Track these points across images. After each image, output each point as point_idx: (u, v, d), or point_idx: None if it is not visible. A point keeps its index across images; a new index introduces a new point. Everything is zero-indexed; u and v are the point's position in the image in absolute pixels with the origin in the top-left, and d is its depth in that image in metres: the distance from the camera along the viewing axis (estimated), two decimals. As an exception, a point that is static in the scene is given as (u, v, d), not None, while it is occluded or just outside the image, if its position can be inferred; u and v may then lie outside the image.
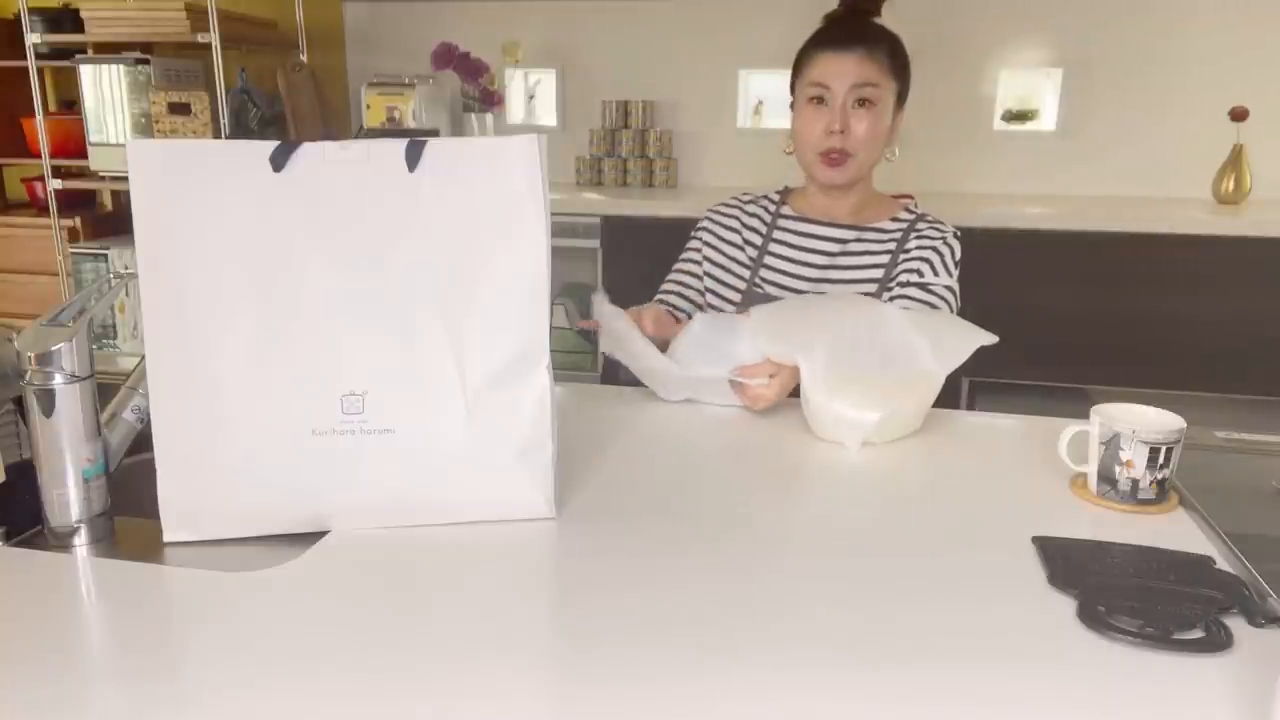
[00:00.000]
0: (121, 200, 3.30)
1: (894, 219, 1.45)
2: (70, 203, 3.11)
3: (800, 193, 1.52)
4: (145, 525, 0.87)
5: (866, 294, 1.39)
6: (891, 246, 1.43)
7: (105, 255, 3.01)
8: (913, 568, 0.82)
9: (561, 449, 0.92)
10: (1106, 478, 0.95)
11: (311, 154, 0.85)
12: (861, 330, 1.14)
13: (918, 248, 1.41)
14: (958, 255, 1.41)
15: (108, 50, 2.98)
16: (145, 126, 2.93)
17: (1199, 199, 2.80)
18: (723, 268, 1.50)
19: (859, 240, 1.44)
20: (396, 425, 0.86)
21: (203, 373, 0.84)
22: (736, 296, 1.47)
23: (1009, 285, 2.46)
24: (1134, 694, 0.65)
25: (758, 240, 1.49)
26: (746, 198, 1.54)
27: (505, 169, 0.86)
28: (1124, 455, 0.93)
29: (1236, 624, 0.73)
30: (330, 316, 0.85)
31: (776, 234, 1.48)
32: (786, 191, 1.54)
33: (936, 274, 1.39)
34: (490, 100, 3.15)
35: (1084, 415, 0.98)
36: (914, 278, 1.39)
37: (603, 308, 1.24)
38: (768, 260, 1.47)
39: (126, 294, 2.81)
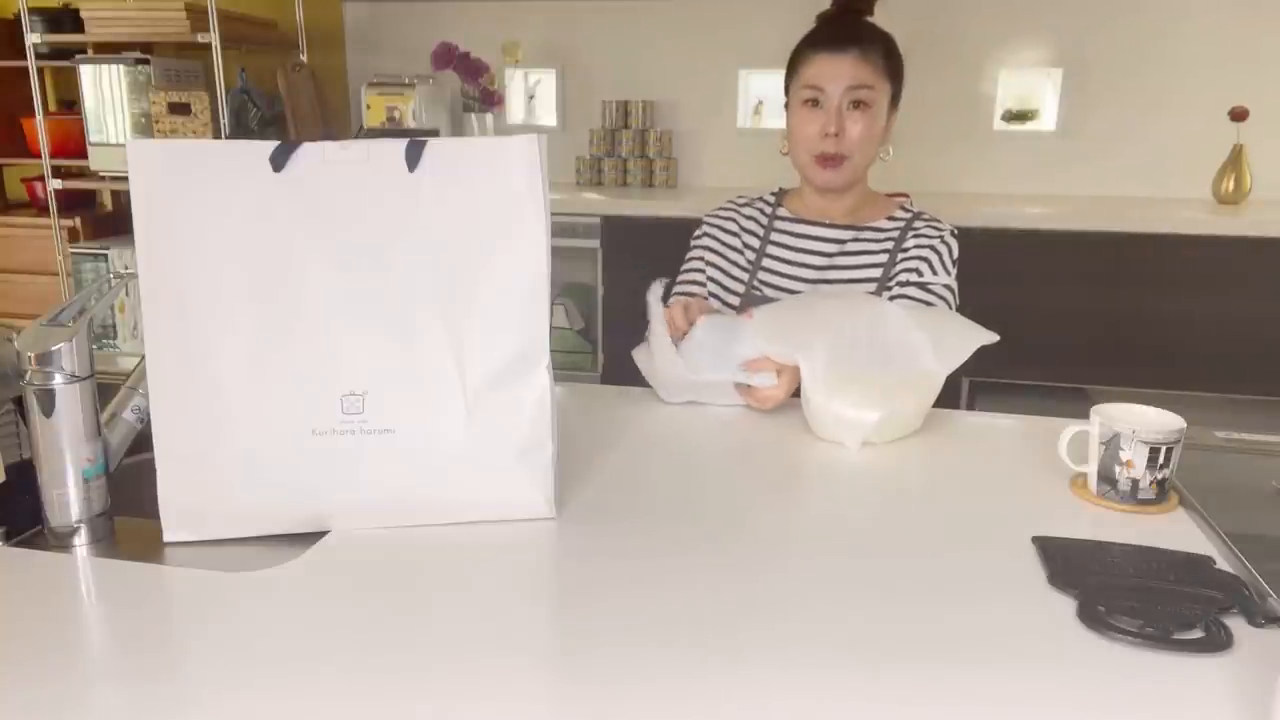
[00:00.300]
0: (121, 200, 3.30)
1: (890, 218, 1.45)
2: (70, 203, 3.11)
3: (796, 194, 1.51)
4: (145, 525, 0.87)
5: (865, 293, 1.39)
6: (889, 245, 1.43)
7: (105, 255, 3.01)
8: (913, 568, 0.82)
9: (561, 449, 0.92)
10: (1106, 478, 0.95)
11: (311, 154, 0.85)
12: (862, 329, 1.14)
13: (916, 246, 1.41)
14: (955, 253, 1.41)
15: (108, 50, 2.98)
16: (145, 126, 2.93)
17: (1199, 199, 2.80)
18: (723, 271, 1.50)
19: (856, 240, 1.44)
20: (396, 425, 0.86)
21: (203, 373, 0.84)
22: (736, 299, 1.47)
23: (1009, 285, 2.46)
24: (1134, 694, 0.65)
25: (755, 243, 1.49)
26: (742, 200, 1.54)
27: (505, 169, 0.86)
28: (1124, 455, 0.93)
29: (1236, 624, 0.73)
30: (330, 316, 0.85)
31: (774, 236, 1.48)
32: (782, 193, 1.54)
33: (935, 272, 1.39)
34: (490, 100, 3.15)
35: (1084, 415, 0.98)
36: (913, 277, 1.39)
37: (654, 302, 1.22)
38: (766, 262, 1.47)
39: (126, 294, 2.81)
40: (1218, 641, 0.70)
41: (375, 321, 0.86)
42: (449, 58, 3.04)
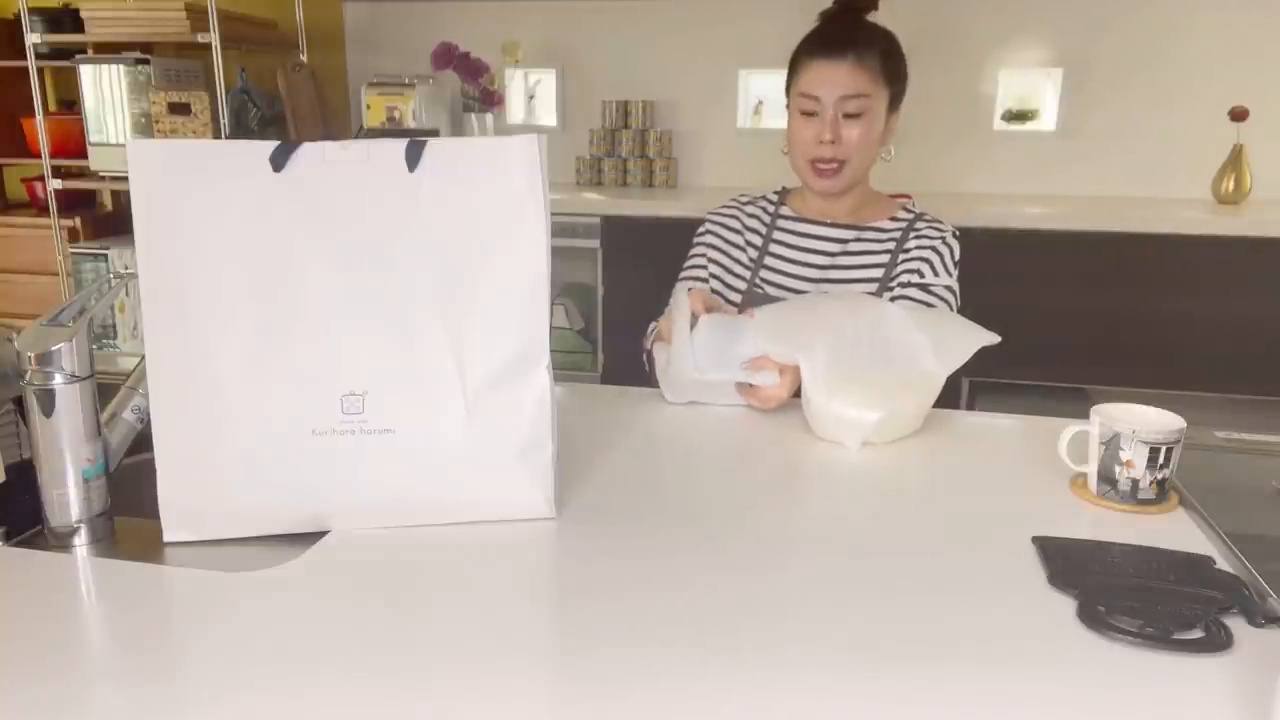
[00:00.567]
0: (121, 200, 3.30)
1: (892, 218, 1.45)
2: (70, 203, 3.11)
3: (798, 193, 1.51)
4: (145, 525, 0.87)
5: (867, 294, 1.39)
6: (891, 246, 1.43)
7: (105, 255, 3.01)
8: (913, 568, 0.82)
9: (561, 449, 0.92)
10: (1106, 478, 0.95)
11: (311, 154, 0.85)
12: (863, 330, 1.14)
13: (917, 247, 1.41)
14: (957, 255, 1.41)
15: (108, 50, 2.98)
16: (145, 126, 2.93)
17: (1199, 199, 2.80)
18: (726, 269, 1.50)
19: (858, 240, 1.44)
20: (396, 425, 0.86)
21: (203, 373, 0.84)
22: (738, 297, 1.47)
23: (1009, 285, 2.46)
24: (1134, 694, 0.65)
25: (758, 241, 1.49)
26: (745, 198, 1.54)
27: (505, 169, 0.86)
28: (1124, 455, 0.93)
29: (1236, 624, 0.72)
30: (330, 316, 0.85)
31: (776, 234, 1.48)
32: (785, 192, 1.54)
33: (936, 274, 1.39)
34: (490, 100, 3.15)
35: (1084, 415, 0.98)
36: (914, 278, 1.39)
37: (680, 299, 1.22)
38: (768, 261, 1.47)
39: (126, 294, 2.81)
40: (1218, 641, 0.70)
41: (375, 321, 0.86)
42: (449, 58, 3.04)
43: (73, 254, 3.02)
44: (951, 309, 1.38)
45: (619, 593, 0.77)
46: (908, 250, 1.41)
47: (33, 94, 2.91)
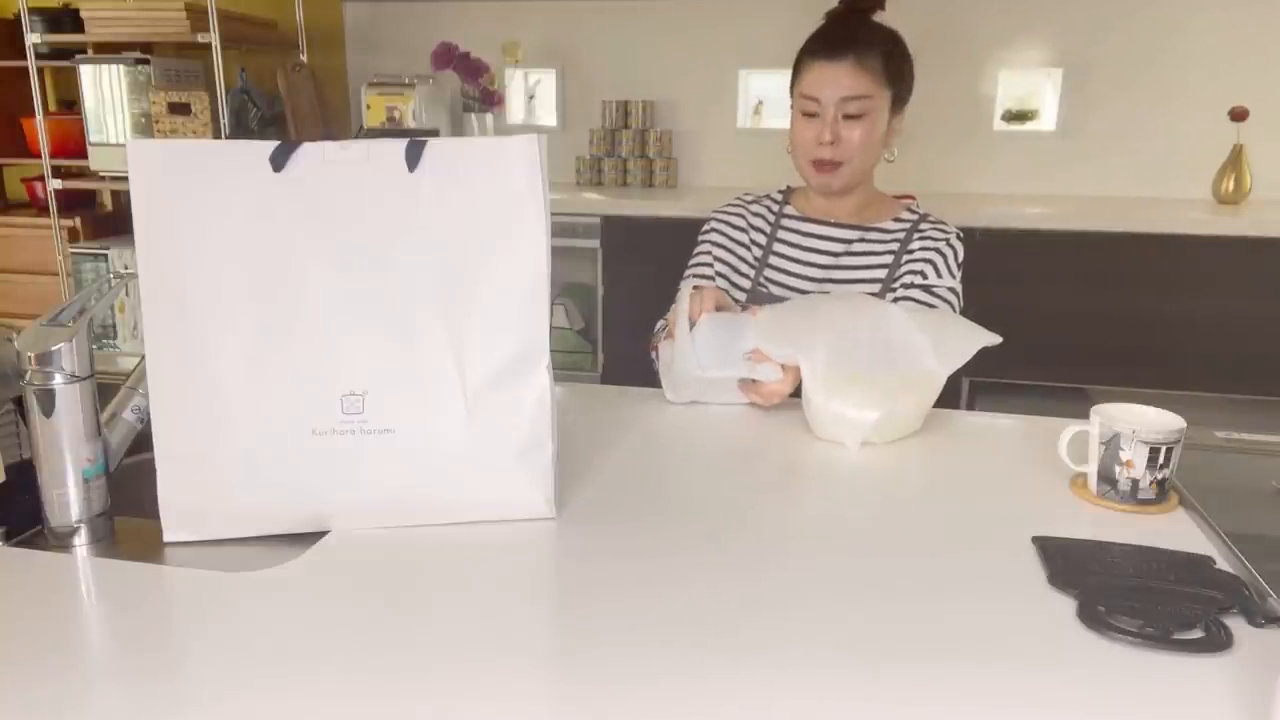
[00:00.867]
0: (121, 200, 3.30)
1: (896, 219, 1.45)
2: (70, 203, 3.11)
3: (803, 192, 1.52)
4: (145, 525, 0.87)
5: (869, 294, 1.39)
6: (894, 247, 1.43)
7: (105, 255, 3.01)
8: (913, 568, 0.82)
9: (561, 449, 0.92)
10: (1106, 478, 0.95)
11: (311, 154, 0.85)
12: (864, 330, 1.14)
13: (921, 249, 1.41)
14: (961, 256, 1.41)
15: (108, 50, 2.98)
16: (145, 126, 2.93)
17: (1199, 199, 2.80)
18: (730, 266, 1.50)
19: (862, 240, 1.44)
20: (396, 425, 0.86)
21: (203, 373, 0.84)
22: (742, 296, 1.47)
23: (1009, 285, 2.46)
24: (1134, 694, 0.65)
25: (762, 240, 1.49)
26: (749, 197, 1.54)
27: (505, 169, 0.86)
28: (1124, 455, 0.93)
29: (1236, 624, 0.72)
30: (330, 316, 0.85)
31: (780, 234, 1.48)
32: (789, 191, 1.54)
33: (940, 275, 1.39)
34: (490, 100, 3.15)
35: (1084, 415, 0.98)
36: (917, 279, 1.39)
37: (683, 297, 1.22)
38: (772, 260, 1.47)
39: (126, 294, 2.81)
40: (1218, 641, 0.70)
41: (375, 321, 0.86)
42: (449, 58, 3.04)
43: (73, 254, 3.02)
44: (954, 310, 1.38)
45: (619, 593, 0.77)
46: (911, 251, 1.41)
47: (33, 94, 2.91)
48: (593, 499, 0.96)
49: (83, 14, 2.90)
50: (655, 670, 0.67)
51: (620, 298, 2.75)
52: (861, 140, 1.37)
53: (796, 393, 1.17)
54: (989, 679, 0.66)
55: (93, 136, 2.98)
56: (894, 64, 1.38)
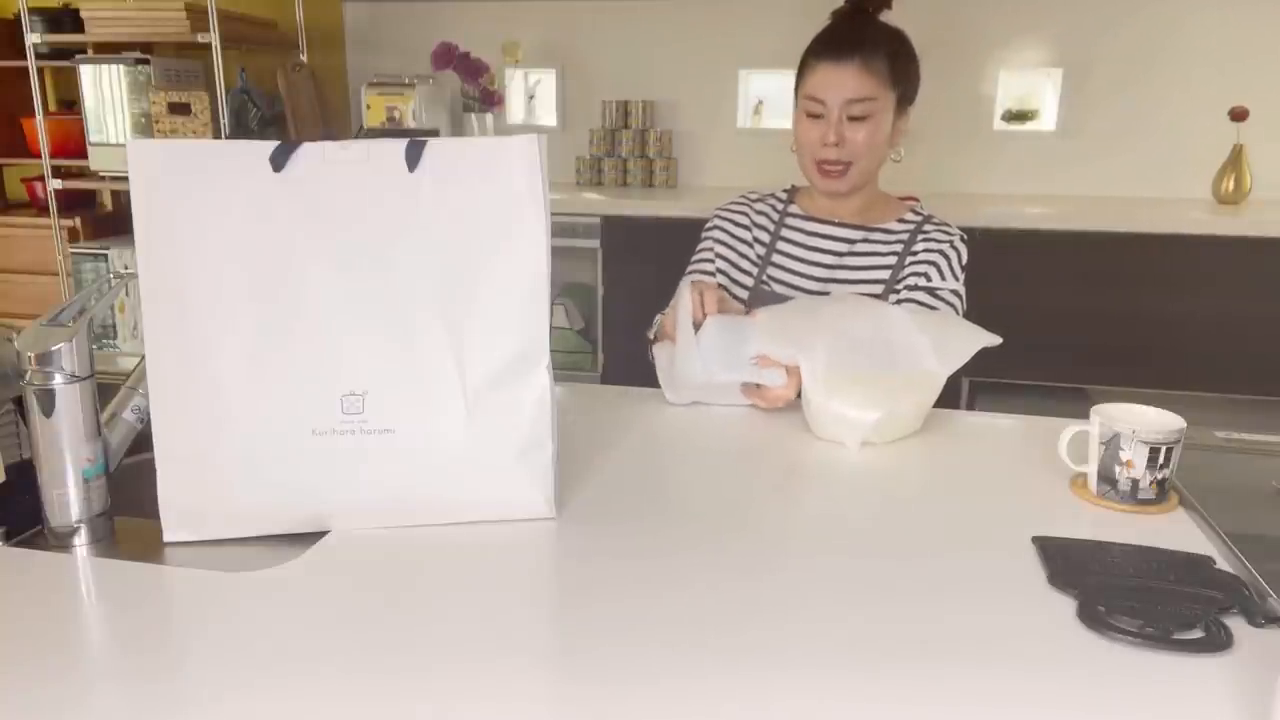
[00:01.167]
0: (121, 200, 3.30)
1: (901, 220, 1.45)
2: (70, 203, 3.11)
3: (807, 192, 1.51)
4: (145, 525, 0.87)
5: (872, 295, 1.39)
6: (898, 248, 1.42)
7: (105, 255, 3.01)
8: (913, 568, 0.82)
9: (561, 449, 0.92)
10: (1106, 478, 0.95)
11: (311, 154, 0.85)
12: (864, 330, 1.14)
13: (925, 250, 1.41)
14: (964, 259, 1.41)
15: (108, 50, 2.98)
16: (145, 126, 2.93)
17: (1199, 199, 2.80)
18: (733, 264, 1.50)
19: (866, 241, 1.44)
20: (396, 425, 0.86)
21: (203, 373, 0.84)
22: (744, 294, 1.47)
23: (1009, 285, 2.46)
24: (1134, 694, 0.65)
25: (766, 238, 1.49)
26: (754, 196, 1.54)
27: (505, 169, 0.86)
28: (1124, 455, 0.93)
29: (1236, 624, 0.73)
30: (330, 316, 0.85)
31: (784, 232, 1.48)
32: (794, 190, 1.54)
33: (943, 278, 1.39)
34: (490, 100, 3.15)
35: (1084, 415, 0.98)
36: (921, 281, 1.39)
37: (684, 296, 1.22)
38: (775, 259, 1.47)
39: (126, 294, 2.81)
40: (1218, 641, 0.70)
41: (375, 321, 0.86)
42: (449, 58, 3.04)
43: (73, 254, 3.02)
44: (957, 313, 1.38)
45: (619, 593, 0.77)
46: (915, 253, 1.41)
47: (33, 94, 2.91)
48: (593, 499, 0.96)
49: (83, 14, 2.90)
50: (655, 670, 0.67)
51: (620, 298, 2.75)
52: (866, 142, 1.37)
53: (798, 393, 1.17)
54: (989, 679, 0.66)
55: (93, 136, 2.98)
56: (899, 65, 1.38)
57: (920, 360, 1.12)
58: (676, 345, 1.20)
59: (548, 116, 3.29)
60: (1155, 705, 0.64)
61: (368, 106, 3.05)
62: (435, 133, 3.07)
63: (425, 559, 0.83)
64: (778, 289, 1.45)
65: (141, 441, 0.89)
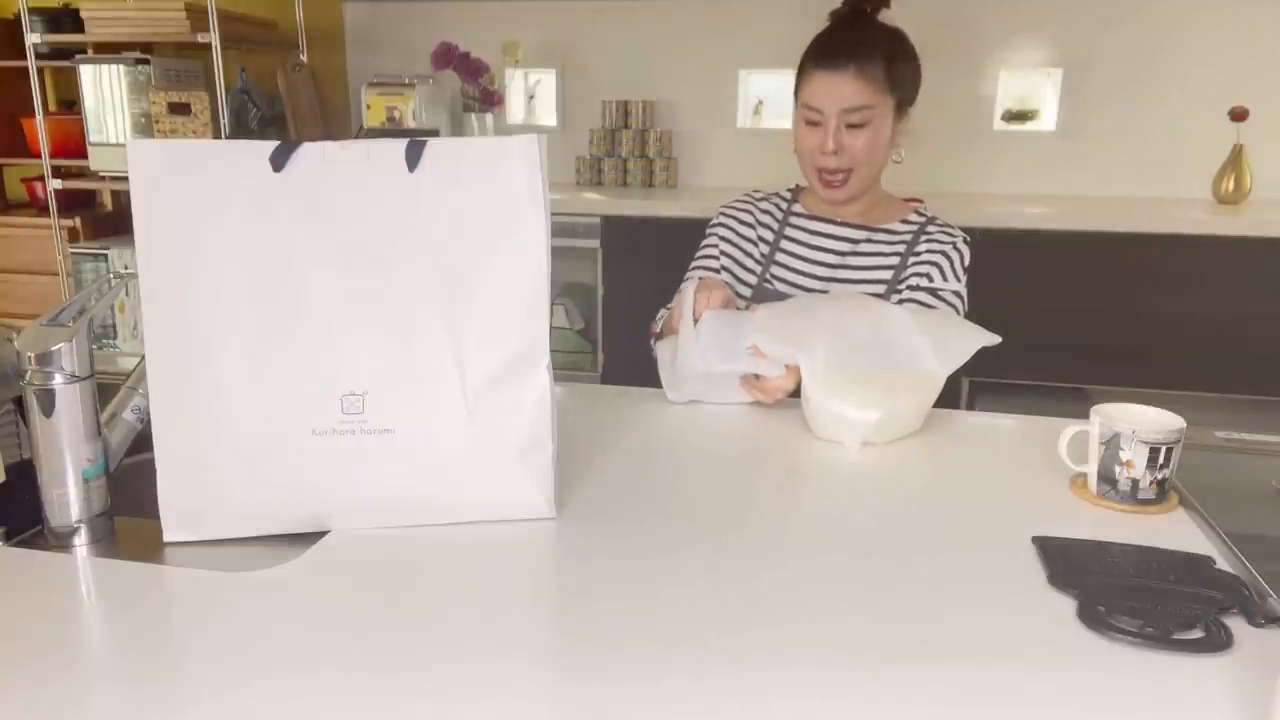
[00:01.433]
0: (121, 200, 3.30)
1: (904, 221, 1.45)
2: (70, 203, 3.11)
3: (810, 192, 1.51)
4: (145, 525, 0.87)
5: (874, 295, 1.39)
6: (901, 249, 1.42)
7: (105, 255, 3.01)
8: (913, 568, 0.82)
9: (561, 449, 0.92)
10: (1106, 478, 0.95)
11: (311, 154, 0.85)
12: (864, 330, 1.14)
13: (927, 251, 1.41)
14: (967, 260, 1.41)
15: (108, 50, 2.98)
16: (145, 126, 2.93)
17: (1199, 199, 2.80)
18: (737, 262, 1.50)
19: (869, 241, 1.44)
20: (396, 425, 0.86)
21: (203, 373, 0.84)
22: (748, 292, 1.48)
23: (1009, 285, 2.46)
24: (1134, 694, 0.65)
25: (770, 237, 1.49)
26: (759, 194, 1.54)
27: (505, 169, 0.86)
28: (1124, 455, 0.93)
29: (1236, 624, 0.73)
30: (330, 316, 0.85)
31: (788, 231, 1.49)
32: (798, 189, 1.54)
33: (945, 279, 1.39)
34: (490, 100, 3.15)
35: (1084, 415, 0.98)
36: (923, 282, 1.39)
37: (688, 294, 1.22)
38: (779, 257, 1.47)
39: (126, 294, 2.81)
40: (1218, 641, 0.70)
41: (375, 321, 0.86)
42: (449, 58, 3.04)
43: (73, 254, 3.02)
44: (959, 314, 1.38)
45: (619, 593, 0.77)
46: (918, 254, 1.41)
47: (33, 94, 2.91)
48: (593, 499, 0.96)
49: (83, 14, 2.90)
50: (655, 670, 0.67)
51: (620, 298, 2.75)
52: (865, 149, 1.36)
53: (796, 391, 1.17)
54: (989, 679, 0.66)
55: (93, 136, 2.98)
56: (897, 68, 1.36)
57: (920, 360, 1.12)
58: (679, 338, 1.20)
59: (548, 116, 3.29)
60: (1155, 705, 0.64)
61: (368, 106, 3.05)
62: (435, 133, 3.07)
63: (425, 559, 0.83)
64: (780, 288, 1.45)
65: (141, 441, 0.89)
